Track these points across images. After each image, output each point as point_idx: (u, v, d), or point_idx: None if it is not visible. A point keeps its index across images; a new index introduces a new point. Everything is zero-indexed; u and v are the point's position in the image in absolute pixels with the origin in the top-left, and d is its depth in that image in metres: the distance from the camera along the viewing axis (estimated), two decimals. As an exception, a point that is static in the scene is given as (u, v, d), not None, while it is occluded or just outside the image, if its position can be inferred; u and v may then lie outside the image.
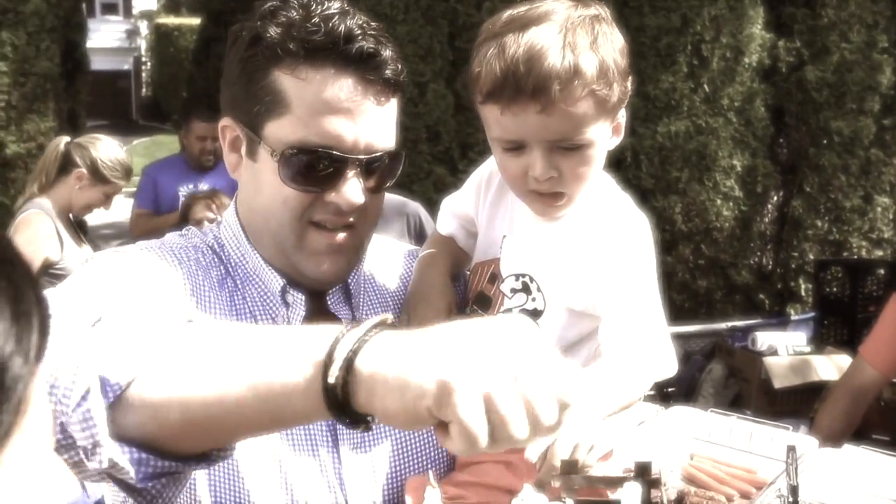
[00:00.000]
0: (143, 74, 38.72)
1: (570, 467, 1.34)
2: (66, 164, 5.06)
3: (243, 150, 1.73)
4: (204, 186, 6.61)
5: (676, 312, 7.78)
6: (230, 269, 1.77)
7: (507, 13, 1.73)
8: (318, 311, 1.80)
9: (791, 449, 2.29)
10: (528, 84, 1.63)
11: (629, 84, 1.75)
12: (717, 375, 6.45)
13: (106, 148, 5.17)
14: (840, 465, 2.53)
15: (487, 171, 1.99)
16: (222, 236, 1.82)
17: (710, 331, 6.89)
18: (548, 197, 1.77)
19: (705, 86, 7.71)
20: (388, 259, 2.02)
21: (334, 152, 1.64)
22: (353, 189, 1.67)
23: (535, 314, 1.82)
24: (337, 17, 1.63)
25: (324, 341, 1.08)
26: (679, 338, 6.71)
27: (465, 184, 2.06)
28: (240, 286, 1.76)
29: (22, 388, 0.79)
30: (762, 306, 8.29)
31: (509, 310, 1.84)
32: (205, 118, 6.83)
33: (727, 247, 8.01)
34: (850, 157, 8.27)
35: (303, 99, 1.63)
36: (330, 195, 1.68)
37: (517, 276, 1.85)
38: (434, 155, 7.39)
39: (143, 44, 38.48)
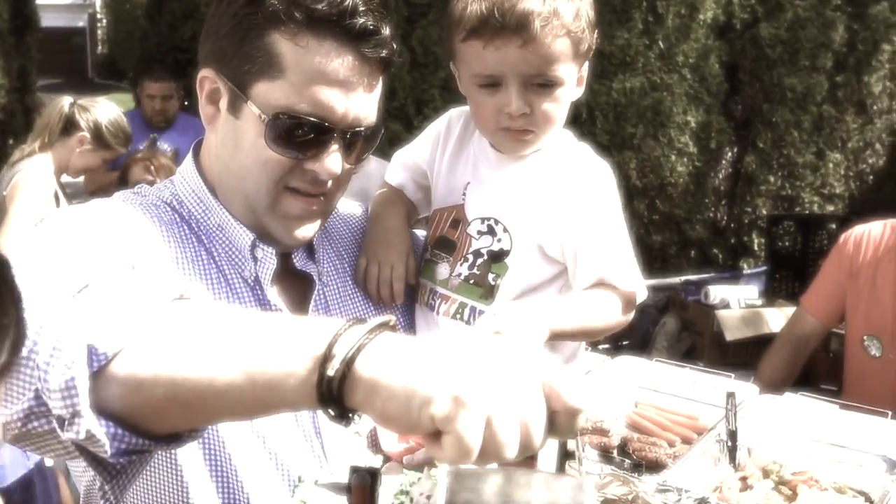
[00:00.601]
0: (99, 31, 38.02)
1: None
2: (68, 126, 4.99)
3: (223, 104, 1.73)
4: (165, 146, 6.57)
5: (631, 267, 7.85)
6: (193, 226, 1.77)
7: None
8: (284, 269, 1.82)
9: (730, 395, 2.34)
10: (512, 19, 1.76)
11: (595, 37, 1.88)
12: (670, 329, 6.53)
13: (109, 112, 5.11)
14: (780, 411, 2.59)
15: (445, 123, 2.08)
16: (180, 192, 1.81)
17: (664, 285, 6.95)
18: (518, 133, 1.88)
19: (660, 42, 7.73)
20: (345, 215, 2.06)
21: (324, 123, 1.67)
22: (334, 160, 1.71)
23: (502, 254, 1.92)
24: None
25: (324, 335, 1.08)
26: (634, 292, 6.77)
27: (418, 137, 2.13)
28: (205, 242, 1.76)
29: None
30: (716, 261, 8.38)
31: (477, 251, 1.93)
32: (154, 78, 6.77)
33: (681, 202, 8.07)
34: (802, 113, 8.34)
35: (300, 66, 1.64)
36: (311, 163, 1.70)
37: (483, 220, 1.95)
38: (389, 111, 7.34)
39: (97, 0, 37.75)
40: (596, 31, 1.89)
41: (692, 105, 7.96)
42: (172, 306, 1.24)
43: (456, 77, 1.97)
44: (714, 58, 8.04)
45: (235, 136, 1.71)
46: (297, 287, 1.84)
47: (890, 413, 2.51)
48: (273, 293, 1.77)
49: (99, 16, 38.38)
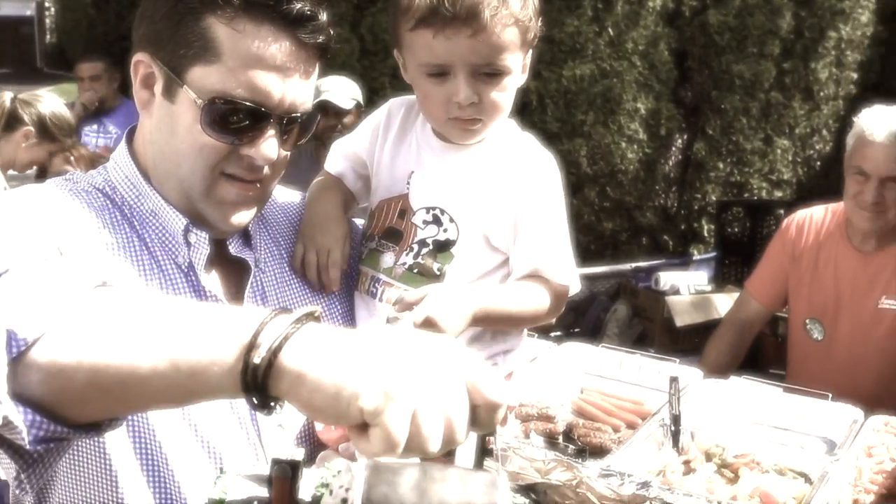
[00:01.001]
0: (47, 20, 37.45)
1: None
2: (11, 122, 4.91)
3: (158, 88, 1.70)
4: (111, 128, 6.51)
5: (583, 254, 7.87)
6: (125, 211, 1.74)
7: None
8: (219, 255, 1.80)
9: (673, 380, 2.36)
10: (461, 9, 1.76)
11: (540, 24, 1.90)
12: (621, 315, 6.57)
13: (52, 105, 5.05)
14: (724, 395, 2.61)
15: (385, 113, 2.07)
16: (113, 178, 1.79)
17: (616, 272, 7.00)
18: (467, 122, 1.88)
19: (610, 29, 7.74)
20: (282, 203, 2.05)
21: (261, 108, 1.66)
22: (269, 146, 1.70)
23: (447, 244, 1.92)
24: None
25: (250, 324, 1.08)
26: (585, 279, 6.74)
27: (359, 126, 2.12)
28: (137, 228, 1.73)
29: None
30: (666, 247, 8.44)
31: (422, 241, 1.94)
32: (84, 59, 6.72)
33: (632, 189, 8.11)
34: (751, 100, 8.41)
35: (236, 51, 1.63)
36: (247, 149, 1.69)
37: (428, 209, 1.95)
38: (339, 100, 7.30)
39: (45, -12, 37.17)
40: (540, 18, 1.91)
41: (642, 92, 7.99)
42: (96, 292, 1.21)
43: (400, 65, 1.96)
44: (663, 45, 8.08)
45: (171, 120, 1.69)
46: (233, 274, 1.83)
47: (831, 395, 2.54)
48: (207, 279, 1.76)
49: (47, 4, 37.77)
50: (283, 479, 1.10)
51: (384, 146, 2.04)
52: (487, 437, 1.19)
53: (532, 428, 2.28)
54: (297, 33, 1.66)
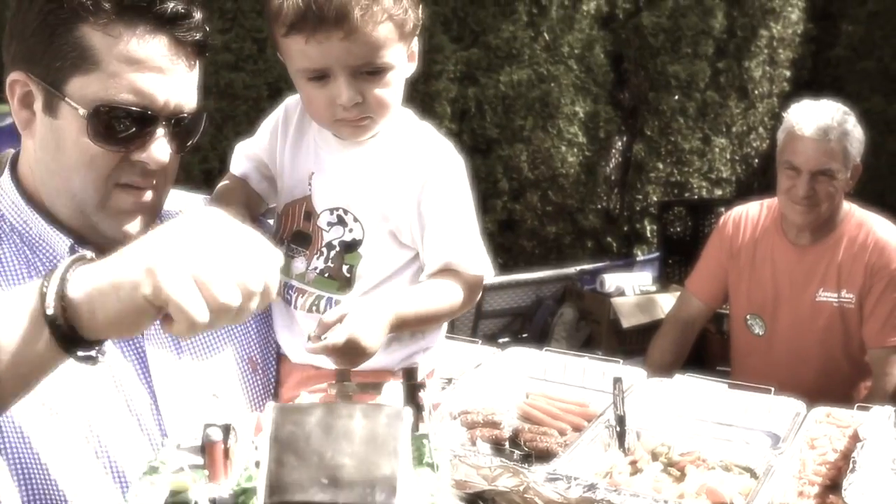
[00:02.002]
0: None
1: (343, 375, 1.39)
2: None
3: (38, 106, 1.67)
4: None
5: (527, 259, 7.90)
6: (13, 238, 1.72)
7: None
8: None
9: (617, 381, 2.36)
10: (330, 11, 1.71)
11: (420, 12, 1.86)
12: (568, 319, 6.59)
13: None
14: (669, 393, 2.62)
15: (281, 115, 2.03)
16: (0, 205, 1.76)
17: (561, 275, 7.01)
18: (355, 121, 1.85)
19: (545, 34, 7.78)
20: (183, 210, 2.00)
21: (147, 111, 1.64)
22: (160, 148, 1.68)
23: (354, 244, 1.90)
24: None
25: (32, 290, 1.17)
26: (530, 284, 6.82)
27: (258, 129, 2.09)
28: (27, 253, 1.71)
29: None
30: (610, 249, 8.49)
31: (329, 244, 1.91)
32: None
33: (574, 192, 8.14)
34: (687, 100, 8.50)
35: (114, 56, 1.61)
36: (137, 154, 1.67)
37: (331, 210, 1.92)
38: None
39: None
40: (420, 5, 1.87)
41: (580, 95, 8.04)
42: None
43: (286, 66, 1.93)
44: (599, 48, 8.13)
45: (55, 136, 1.66)
46: None
47: (773, 389, 2.56)
48: None
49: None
50: (214, 442, 1.12)
51: (284, 147, 2.01)
52: (418, 392, 1.25)
53: (478, 435, 2.27)
54: (174, 32, 1.65)
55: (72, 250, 1.70)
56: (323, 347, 1.67)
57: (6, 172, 1.79)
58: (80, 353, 1.15)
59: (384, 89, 1.83)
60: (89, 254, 1.22)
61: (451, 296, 1.91)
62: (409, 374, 1.31)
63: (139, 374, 1.73)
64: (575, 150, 8.02)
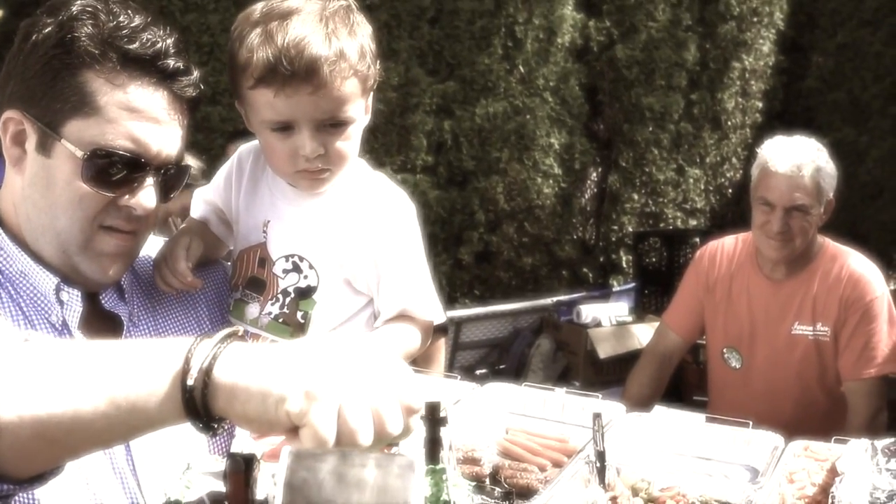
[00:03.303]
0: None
1: None
2: None
3: (31, 144, 1.71)
4: None
5: (504, 290, 7.91)
6: None
7: (262, 4, 1.86)
8: (92, 311, 1.79)
9: (597, 416, 2.37)
10: (300, 68, 1.76)
11: (378, 66, 1.93)
12: (545, 350, 6.60)
13: None
14: (649, 427, 2.63)
15: (235, 164, 2.08)
16: None
17: (538, 307, 7.03)
18: (315, 173, 1.89)
19: (520, 67, 7.83)
20: (152, 253, 2.03)
21: (140, 159, 1.69)
22: (148, 195, 1.73)
23: (309, 291, 1.94)
24: (151, 30, 1.70)
25: (178, 352, 1.13)
26: (507, 315, 6.84)
27: (214, 177, 2.14)
28: (9, 289, 1.71)
29: None
30: (587, 279, 8.52)
31: (285, 290, 1.95)
32: None
33: (550, 223, 8.18)
34: (661, 131, 8.58)
35: (115, 103, 1.66)
36: (126, 199, 1.71)
37: (287, 257, 1.96)
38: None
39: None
40: (378, 60, 1.93)
41: (555, 127, 8.09)
42: (23, 347, 1.23)
43: (243, 116, 1.96)
44: (573, 80, 8.19)
45: (46, 174, 1.70)
46: (107, 329, 1.82)
47: (751, 423, 2.57)
48: (81, 337, 1.75)
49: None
50: (237, 473, 1.15)
51: (238, 195, 2.05)
52: (439, 428, 1.29)
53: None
54: (173, 87, 1.72)
55: (57, 289, 1.72)
56: None
57: None
58: (200, 425, 1.13)
59: (345, 142, 1.88)
60: (239, 329, 1.21)
61: (410, 340, 1.97)
62: (432, 410, 1.35)
63: None
64: (550, 181, 8.07)
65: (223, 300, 2.04)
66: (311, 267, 1.93)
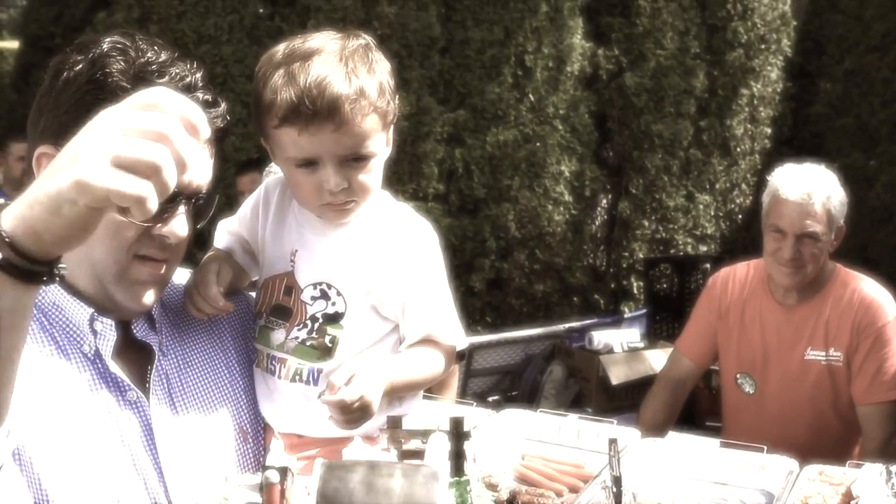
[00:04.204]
0: (-37, 104, 36.89)
1: (395, 422, 1.48)
2: None
3: None
4: None
5: (516, 317, 7.93)
6: None
7: (285, 45, 1.92)
8: (124, 340, 1.82)
9: (612, 441, 2.38)
10: (322, 107, 1.81)
11: (397, 103, 1.98)
12: (557, 376, 6.60)
13: None
14: (663, 453, 2.64)
15: (262, 196, 2.12)
16: None
17: (550, 333, 7.04)
18: (340, 205, 1.94)
19: (530, 95, 7.89)
20: (179, 284, 2.06)
21: (173, 189, 1.69)
22: (180, 224, 1.76)
23: (337, 317, 1.97)
24: (179, 65, 1.74)
25: None
26: (519, 342, 6.84)
27: (239, 209, 2.17)
28: (43, 320, 1.75)
29: None
30: (598, 306, 8.53)
31: (313, 316, 1.98)
32: (22, 139, 6.65)
33: (560, 250, 8.21)
34: (671, 158, 8.61)
35: None
36: (159, 228, 1.74)
37: (315, 285, 1.99)
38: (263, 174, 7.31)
39: (-40, 72, 36.80)
40: (396, 96, 1.98)
41: (565, 155, 8.13)
42: None
43: (269, 152, 2.01)
44: (583, 108, 8.25)
45: None
46: (138, 358, 1.84)
47: (766, 447, 2.59)
48: (114, 365, 1.78)
49: (-38, 88, 37.10)
50: (272, 484, 1.19)
51: (265, 225, 2.08)
52: (463, 442, 1.35)
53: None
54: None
55: (91, 319, 1.75)
56: (339, 401, 1.74)
57: None
58: (44, 277, 1.21)
59: (367, 175, 1.93)
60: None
61: (433, 364, 2.00)
62: (457, 425, 1.40)
63: (143, 434, 1.77)
64: (561, 208, 8.10)
65: (247, 329, 2.08)
66: (338, 294, 1.97)
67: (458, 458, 1.35)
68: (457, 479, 1.35)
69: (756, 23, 8.90)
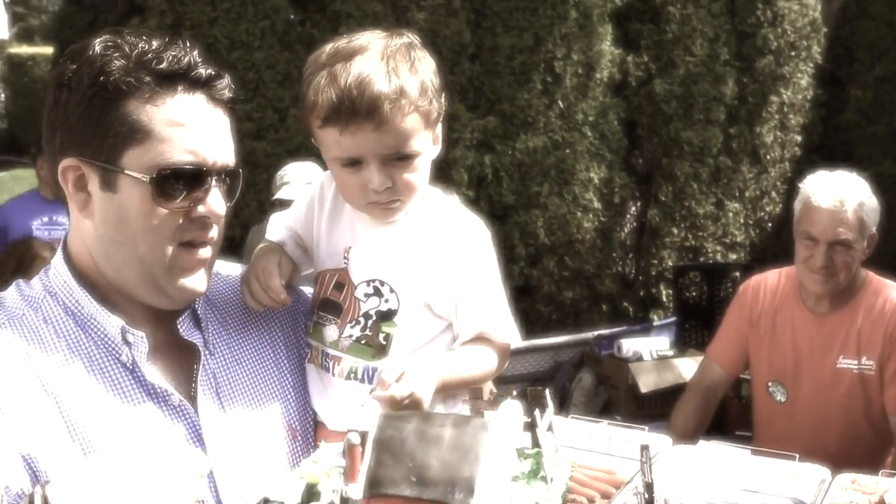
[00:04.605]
0: (-2, 106, 37.22)
1: (476, 393, 1.58)
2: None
3: (93, 185, 1.76)
4: (62, 218, 6.50)
5: (545, 324, 7.93)
6: (67, 319, 1.79)
7: (330, 46, 1.94)
8: (168, 340, 1.85)
9: (644, 448, 2.38)
10: (362, 106, 1.84)
11: (444, 100, 1.99)
12: (586, 384, 6.59)
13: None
14: (694, 460, 2.64)
15: (318, 192, 2.14)
16: (53, 284, 1.84)
17: (578, 340, 7.03)
18: (385, 204, 1.96)
19: (560, 102, 7.90)
20: (226, 276, 2.09)
21: (202, 168, 1.76)
22: (216, 200, 1.80)
23: (390, 314, 1.98)
24: (174, 47, 1.77)
25: None
26: (548, 349, 6.84)
27: (294, 205, 2.20)
28: (80, 334, 1.78)
29: None
30: (627, 314, 8.51)
31: (366, 314, 1.99)
32: None
33: (590, 258, 8.20)
34: (700, 165, 8.59)
35: (163, 123, 1.73)
36: (197, 210, 1.78)
37: (368, 282, 2.01)
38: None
39: (-5, 75, 37.13)
40: (443, 94, 1.99)
41: (594, 162, 8.13)
42: None
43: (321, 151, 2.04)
44: (612, 115, 8.25)
45: (117, 209, 1.76)
46: (183, 358, 1.87)
47: (798, 455, 2.58)
48: (153, 373, 1.81)
49: (-2, 90, 37.53)
50: (354, 446, 1.28)
51: (320, 222, 2.10)
52: (538, 412, 1.47)
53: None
54: (211, 93, 1.79)
55: (123, 331, 1.78)
56: (389, 397, 1.74)
57: (59, 254, 1.87)
58: None
59: (412, 174, 1.94)
60: None
61: (486, 362, 2.01)
62: (536, 396, 1.52)
63: (190, 436, 1.80)
64: (590, 215, 8.10)
65: (297, 324, 2.09)
66: (392, 291, 1.98)
67: (534, 427, 1.45)
68: (535, 449, 1.49)
69: (786, 29, 8.86)
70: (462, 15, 7.69)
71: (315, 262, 2.13)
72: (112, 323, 1.78)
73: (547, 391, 1.53)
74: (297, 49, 7.52)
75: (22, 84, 31.69)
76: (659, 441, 2.66)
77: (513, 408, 1.49)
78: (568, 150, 7.92)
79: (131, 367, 1.78)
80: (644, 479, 2.35)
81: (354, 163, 1.91)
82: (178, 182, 1.73)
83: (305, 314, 2.11)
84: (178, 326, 1.86)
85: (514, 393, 1.59)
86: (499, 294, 2.05)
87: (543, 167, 7.80)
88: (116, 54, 1.73)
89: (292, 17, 7.58)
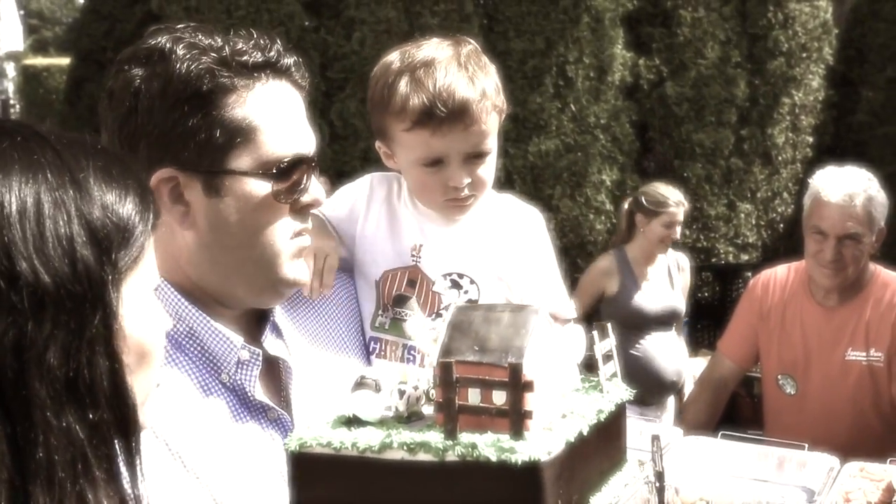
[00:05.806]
0: (12, 117, 37.42)
1: None
2: None
3: (193, 194, 1.68)
4: None
5: (558, 325, 7.94)
6: (190, 343, 1.73)
7: (398, 54, 2.02)
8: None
9: (655, 437, 2.43)
10: (454, 109, 1.94)
11: (504, 101, 2.11)
12: (599, 383, 6.60)
13: None
14: (706, 451, 2.68)
15: (368, 189, 2.18)
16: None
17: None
18: (462, 200, 2.06)
19: (572, 105, 7.95)
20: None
21: (305, 156, 1.73)
22: (317, 188, 1.79)
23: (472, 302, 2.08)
24: (254, 38, 1.71)
25: None
26: (561, 349, 6.85)
27: (335, 195, 2.21)
28: (204, 357, 1.74)
29: (142, 241, 1.11)
30: (639, 314, 8.52)
31: (447, 306, 1.99)
32: None
33: (603, 259, 8.23)
34: (712, 167, 8.62)
35: (260, 116, 1.67)
36: (304, 199, 1.75)
37: (446, 276, 2.09)
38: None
39: (10, 86, 37.33)
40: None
41: (606, 164, 8.17)
42: None
43: (381, 154, 2.10)
44: (624, 118, 8.29)
45: (226, 213, 1.69)
46: (269, 369, 1.82)
47: (807, 445, 2.62)
48: (260, 392, 1.77)
49: (12, 101, 37.86)
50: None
51: (367, 219, 2.14)
52: (598, 343, 1.65)
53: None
54: (295, 80, 1.76)
55: (241, 347, 1.74)
56: None
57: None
58: None
59: (485, 169, 2.05)
60: None
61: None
62: (601, 328, 1.68)
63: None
64: (603, 217, 8.14)
65: (353, 314, 2.11)
66: (471, 282, 2.07)
67: (594, 354, 1.63)
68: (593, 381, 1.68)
69: (797, 31, 8.89)
70: (475, 20, 7.75)
71: (373, 262, 2.14)
72: (223, 339, 1.73)
73: (609, 324, 1.72)
74: (312, 55, 7.59)
75: (37, 95, 31.91)
76: (670, 432, 2.71)
77: (576, 330, 1.72)
78: (580, 153, 7.97)
79: (231, 386, 1.73)
80: (655, 469, 2.40)
81: (436, 162, 2.00)
82: (287, 174, 1.69)
83: (354, 308, 2.13)
84: (263, 342, 1.81)
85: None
86: (558, 274, 2.17)
87: (556, 170, 7.84)
88: (196, 52, 1.64)
89: (307, 23, 7.66)
